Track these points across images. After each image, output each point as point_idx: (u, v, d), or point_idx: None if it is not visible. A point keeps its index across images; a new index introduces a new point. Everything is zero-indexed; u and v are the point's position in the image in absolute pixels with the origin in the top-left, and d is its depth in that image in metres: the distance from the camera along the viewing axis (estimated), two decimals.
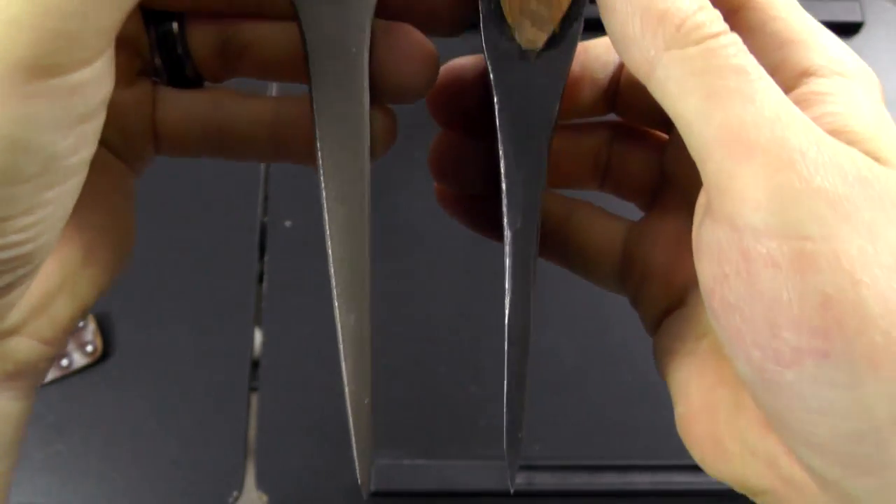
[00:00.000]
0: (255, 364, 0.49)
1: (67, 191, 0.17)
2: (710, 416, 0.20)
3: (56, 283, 0.20)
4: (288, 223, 0.52)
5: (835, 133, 0.17)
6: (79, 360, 0.48)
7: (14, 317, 0.19)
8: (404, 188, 0.53)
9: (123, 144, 0.22)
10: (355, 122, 0.20)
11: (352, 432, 0.20)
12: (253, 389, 0.49)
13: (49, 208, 0.17)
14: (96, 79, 0.16)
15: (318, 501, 0.47)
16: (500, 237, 0.26)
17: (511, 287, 0.20)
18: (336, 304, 0.20)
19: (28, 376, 0.20)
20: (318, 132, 0.20)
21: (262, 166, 0.53)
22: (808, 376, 0.16)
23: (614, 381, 0.50)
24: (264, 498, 0.46)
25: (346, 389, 0.20)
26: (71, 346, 0.48)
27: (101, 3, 0.16)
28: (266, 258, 0.52)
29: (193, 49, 0.22)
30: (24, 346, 0.19)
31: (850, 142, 0.17)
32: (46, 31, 0.15)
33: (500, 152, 0.20)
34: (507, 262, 0.20)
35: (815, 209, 0.16)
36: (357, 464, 0.20)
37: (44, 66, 0.15)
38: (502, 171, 0.20)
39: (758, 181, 0.16)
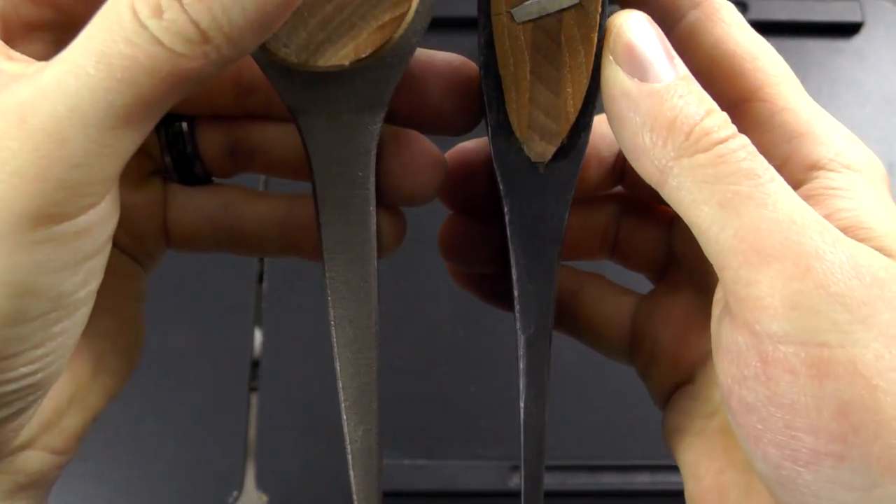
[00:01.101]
0: (255, 364, 0.49)
1: (76, 322, 0.17)
2: (720, 498, 0.21)
3: (67, 397, 0.20)
4: None
5: (847, 229, 0.17)
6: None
7: (25, 434, 0.19)
8: None
9: (135, 244, 0.22)
10: (362, 245, 0.20)
11: None
12: (253, 389, 0.49)
13: (58, 340, 0.17)
14: (100, 219, 0.17)
15: (318, 501, 0.47)
16: (509, 308, 0.27)
17: (525, 389, 0.21)
18: (344, 417, 0.20)
19: (40, 485, 0.20)
20: (325, 255, 0.21)
21: None
22: (825, 477, 0.16)
23: (614, 381, 0.50)
24: (264, 498, 0.46)
25: (355, 499, 0.20)
26: None
27: (103, 154, 0.15)
28: (266, 258, 0.52)
29: (203, 149, 0.22)
30: (36, 459, 0.20)
31: (863, 238, 0.17)
32: (50, 182, 0.15)
33: (512, 262, 0.21)
34: (521, 365, 0.21)
35: (832, 315, 0.16)
36: None
37: (48, 215, 0.15)
38: (514, 279, 0.21)
39: (775, 289, 0.16)
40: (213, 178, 0.24)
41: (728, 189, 0.17)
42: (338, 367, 0.20)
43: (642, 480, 0.47)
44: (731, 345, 0.17)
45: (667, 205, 0.25)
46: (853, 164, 0.19)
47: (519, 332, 0.21)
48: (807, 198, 0.18)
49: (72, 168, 0.15)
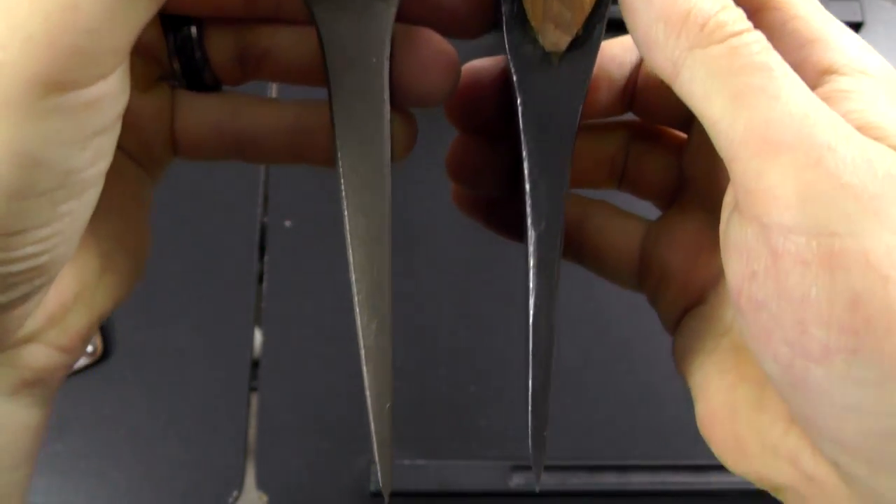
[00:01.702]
0: (255, 364, 0.49)
1: (84, 203, 0.17)
2: (731, 415, 0.21)
3: (73, 292, 0.20)
4: (288, 223, 0.52)
5: (863, 129, 0.17)
6: (79, 360, 0.48)
7: (31, 325, 0.19)
8: (404, 189, 0.53)
9: (142, 150, 0.22)
10: (376, 134, 0.20)
11: (373, 438, 0.20)
12: (253, 389, 0.49)
13: (65, 220, 0.17)
14: (112, 93, 0.16)
15: (318, 501, 0.47)
16: (517, 237, 0.25)
17: (535, 288, 0.20)
18: (357, 311, 0.20)
19: (45, 384, 0.20)
20: (338, 144, 0.20)
21: (263, 167, 0.53)
22: (837, 373, 0.16)
23: (614, 381, 0.50)
24: (264, 498, 0.46)
25: (368, 395, 0.20)
26: None
27: (115, 22, 0.15)
28: (266, 258, 0.52)
29: (212, 54, 0.22)
30: (42, 354, 0.19)
31: (877, 138, 0.17)
32: (61, 48, 0.15)
33: (524, 154, 0.20)
34: (531, 262, 0.21)
35: (844, 206, 0.16)
36: (379, 468, 0.20)
37: (59, 82, 0.15)
38: (525, 173, 0.20)
39: (786, 179, 0.16)
40: (223, 87, 0.23)
41: (740, 81, 0.16)
42: (350, 260, 0.20)
43: (642, 480, 0.47)
44: (740, 241, 0.17)
45: (677, 127, 0.25)
46: (867, 69, 0.18)
47: (529, 229, 0.20)
48: (821, 100, 0.17)
49: (83, 34, 0.15)
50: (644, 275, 0.25)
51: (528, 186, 0.20)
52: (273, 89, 0.52)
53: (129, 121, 0.18)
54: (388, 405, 0.20)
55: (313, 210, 0.53)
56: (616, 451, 0.48)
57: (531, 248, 0.20)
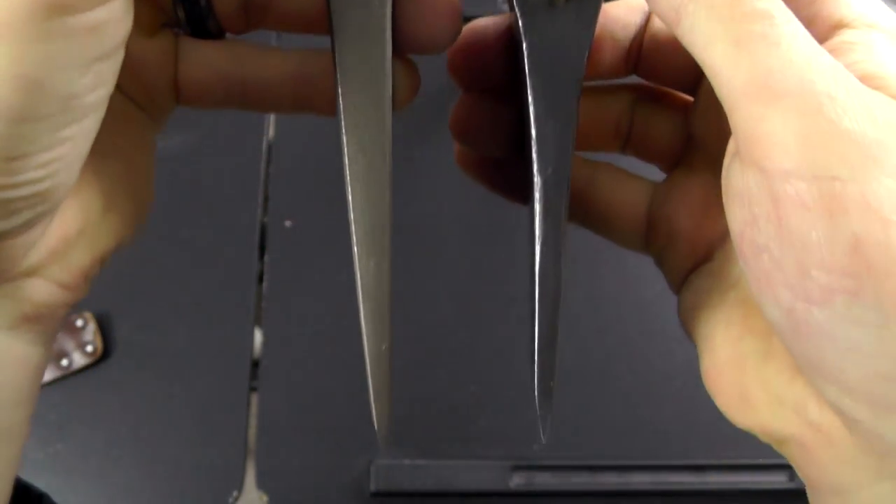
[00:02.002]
0: (255, 364, 0.49)
1: (85, 129, 0.17)
2: (737, 367, 0.20)
3: (75, 227, 0.20)
4: (288, 223, 0.52)
5: (865, 79, 0.17)
6: (79, 360, 0.48)
7: (33, 258, 0.19)
8: (404, 189, 0.53)
9: (145, 96, 0.22)
10: (377, 73, 0.20)
11: (369, 379, 0.20)
12: (253, 389, 0.49)
13: (67, 146, 0.17)
14: (114, 18, 0.16)
15: (318, 501, 0.47)
16: (521, 199, 0.25)
17: (541, 235, 0.20)
18: (355, 249, 0.20)
19: (45, 321, 0.20)
20: (339, 81, 0.20)
21: (263, 167, 0.53)
22: (838, 315, 0.16)
23: (614, 381, 0.50)
24: (264, 498, 0.46)
25: (364, 335, 0.20)
26: (71, 346, 0.48)
27: None
28: (266, 258, 0.52)
29: (216, 2, 0.22)
30: (44, 289, 0.19)
31: (879, 87, 0.17)
32: None
33: (530, 99, 0.20)
34: (537, 209, 0.20)
35: (844, 151, 0.16)
36: (374, 412, 0.20)
37: (61, 5, 0.15)
38: (531, 118, 0.20)
39: (786, 125, 0.16)
40: (226, 35, 0.23)
41: (743, 28, 0.17)
42: (349, 200, 0.20)
43: (642, 480, 0.47)
44: (741, 187, 0.17)
45: (683, 89, 0.25)
46: (877, 23, 0.18)
47: (535, 175, 0.20)
48: (828, 52, 0.17)
49: None
50: (651, 235, 0.25)
51: (533, 131, 0.20)
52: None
53: (133, 66, 0.19)
54: (384, 346, 0.20)
55: (313, 210, 0.53)
56: (616, 451, 0.48)
57: (537, 195, 0.20)
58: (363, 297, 0.20)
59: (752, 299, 0.18)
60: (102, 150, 0.19)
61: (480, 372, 0.49)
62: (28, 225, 0.17)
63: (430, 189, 0.53)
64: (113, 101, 0.19)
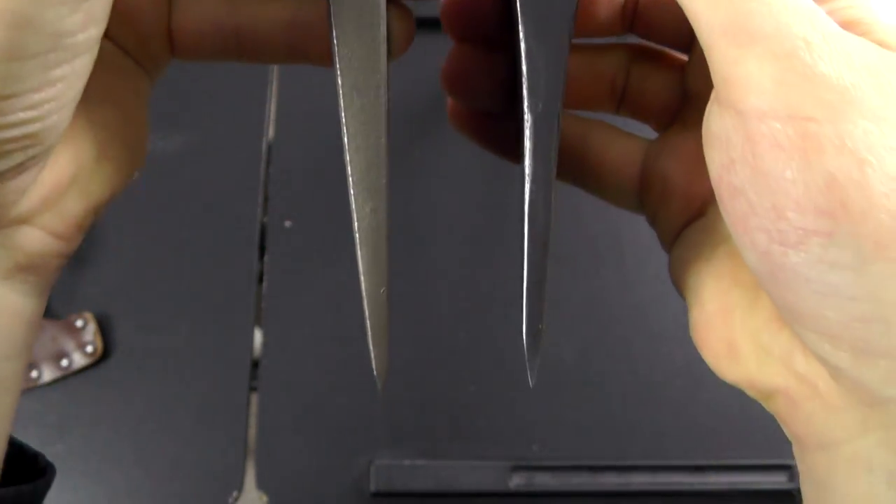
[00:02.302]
0: (255, 364, 0.49)
1: (76, 70, 0.17)
2: (725, 319, 0.21)
3: (68, 175, 0.19)
4: (288, 223, 0.52)
5: (848, 24, 0.17)
6: (79, 360, 0.48)
7: (24, 205, 0.19)
8: (404, 189, 0.53)
9: (139, 46, 0.22)
10: (372, 17, 0.20)
11: (367, 324, 0.20)
12: (253, 389, 0.49)
13: (58, 86, 0.17)
14: None
15: (318, 501, 0.47)
16: (513, 156, 0.24)
17: (531, 173, 0.20)
18: (352, 193, 0.20)
19: (39, 271, 0.20)
20: (333, 25, 0.20)
21: (263, 167, 0.53)
22: (814, 257, 0.16)
23: (614, 381, 0.50)
24: (264, 498, 0.46)
25: (362, 280, 0.20)
26: (71, 346, 0.48)
27: None
28: (266, 258, 0.52)
29: None
30: (36, 238, 0.19)
31: (863, 33, 0.17)
32: None
33: (521, 35, 0.20)
34: (527, 146, 0.20)
35: (819, 93, 0.16)
36: (373, 356, 0.20)
37: None
38: (522, 53, 0.20)
39: (762, 66, 0.16)
40: None
41: None
42: (345, 140, 0.20)
43: (642, 480, 0.47)
44: (718, 130, 0.17)
45: (680, 48, 0.24)
46: None
47: (525, 112, 0.20)
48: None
49: None
50: (645, 191, 0.25)
51: (524, 65, 0.20)
52: None
53: (125, 15, 0.18)
54: (383, 290, 0.20)
55: (313, 210, 0.53)
56: (616, 451, 0.48)
57: (527, 132, 0.20)
58: (360, 242, 0.20)
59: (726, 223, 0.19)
60: (96, 97, 0.19)
61: (480, 372, 0.49)
62: (20, 168, 0.17)
63: (429, 189, 0.53)
64: (106, 51, 0.19)
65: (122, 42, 0.21)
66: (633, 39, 0.25)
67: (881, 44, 0.17)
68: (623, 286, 0.52)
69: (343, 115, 0.20)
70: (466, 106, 0.26)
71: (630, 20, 0.24)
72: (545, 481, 0.47)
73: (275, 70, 0.56)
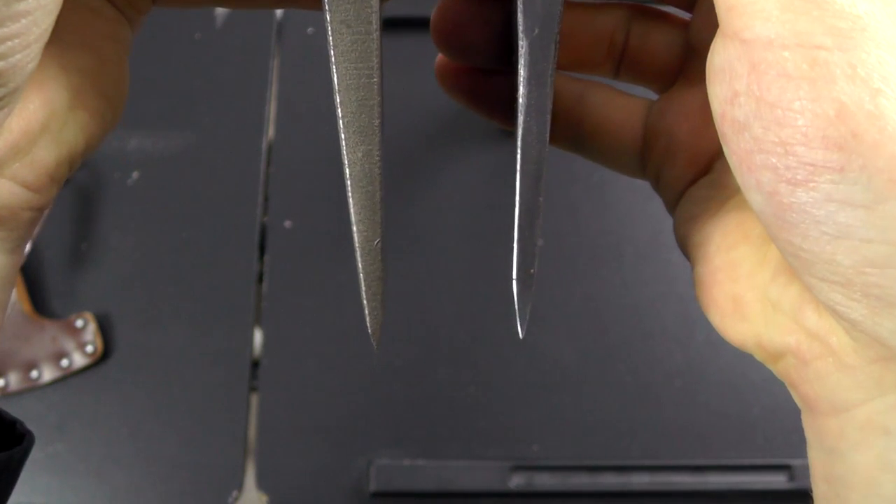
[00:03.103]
0: (255, 364, 0.49)
1: (42, 3, 0.16)
2: (731, 274, 0.19)
3: (38, 120, 0.18)
4: (288, 223, 0.52)
5: None
6: (79, 360, 0.48)
7: None
8: (404, 189, 0.53)
9: None
10: None
11: (361, 278, 0.19)
12: (253, 389, 0.49)
13: (23, 22, 0.15)
14: None
15: (318, 501, 0.47)
16: (504, 119, 0.23)
17: (525, 103, 0.18)
18: (342, 136, 0.18)
19: (11, 225, 0.19)
20: None
21: (263, 167, 0.53)
22: (823, 195, 0.15)
23: (614, 381, 0.50)
24: (264, 498, 0.46)
25: (355, 230, 0.19)
26: (71, 346, 0.48)
27: None
28: (266, 258, 0.52)
29: None
30: (5, 189, 0.18)
31: None
32: None
33: None
34: (522, 74, 0.18)
35: (830, 21, 0.15)
36: (367, 313, 0.19)
37: None
38: None
39: None
40: None
41: None
42: (335, 79, 0.18)
43: (642, 480, 0.47)
44: (722, 63, 0.16)
45: (682, 6, 0.23)
46: None
47: (520, 38, 0.18)
48: None
49: None
50: (648, 151, 0.24)
51: None
52: None
53: None
54: (376, 241, 0.19)
55: (313, 210, 0.53)
56: (616, 451, 0.48)
57: (522, 59, 0.18)
58: (352, 189, 0.18)
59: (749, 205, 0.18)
60: (69, 40, 0.18)
61: (480, 372, 0.49)
62: None
63: (430, 189, 0.53)
64: None
65: None
66: (632, 2, 0.24)
67: None
68: (623, 286, 0.52)
69: (332, 52, 0.18)
70: (457, 60, 0.24)
71: None
72: (545, 481, 0.47)
73: (275, 70, 0.56)
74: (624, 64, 0.25)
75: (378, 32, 0.18)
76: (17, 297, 0.48)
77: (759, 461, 0.46)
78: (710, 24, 0.17)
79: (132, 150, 0.52)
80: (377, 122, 0.18)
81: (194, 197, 0.53)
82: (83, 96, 0.19)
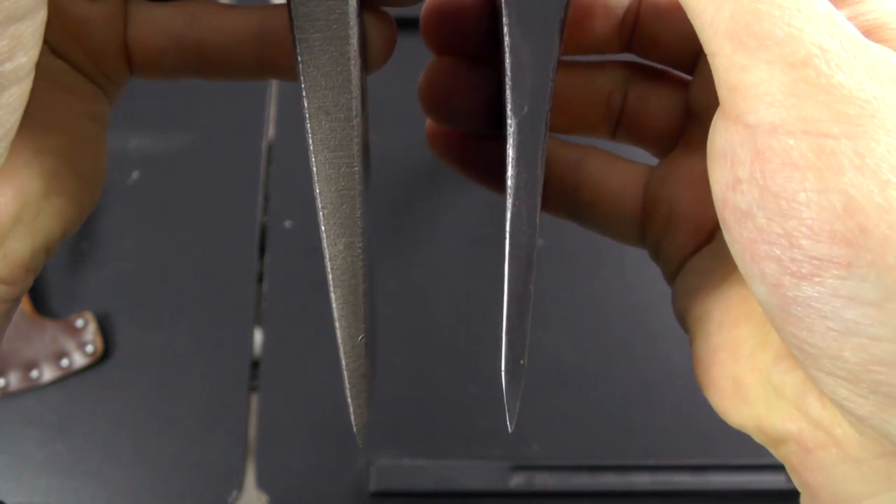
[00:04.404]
0: (255, 364, 0.49)
1: (8, 102, 0.15)
2: (732, 354, 0.19)
3: (11, 213, 0.17)
4: (288, 223, 0.52)
5: (870, 30, 0.16)
6: (79, 360, 0.48)
7: None
8: (403, 189, 0.53)
9: (92, 64, 0.20)
10: (340, 25, 0.17)
11: (345, 376, 0.18)
12: (253, 389, 0.49)
13: None
14: None
15: (318, 501, 0.47)
16: (494, 184, 0.23)
17: (514, 185, 0.17)
18: (322, 228, 0.18)
19: None
20: (296, 36, 0.17)
21: (263, 167, 0.53)
22: (830, 291, 0.14)
23: (614, 381, 0.50)
24: (264, 498, 0.46)
25: (337, 326, 0.18)
26: (71, 346, 0.48)
27: None
28: (266, 258, 0.52)
29: None
30: None
31: (887, 39, 0.15)
32: None
33: (504, 26, 0.17)
34: (510, 154, 0.17)
35: (837, 106, 0.14)
36: (352, 411, 0.18)
37: None
38: (506, 46, 0.17)
39: (772, 75, 0.14)
40: None
41: None
42: (313, 169, 0.17)
43: (642, 480, 0.47)
44: (724, 146, 0.15)
45: (682, 67, 0.22)
46: None
47: (509, 117, 0.17)
48: (835, 1, 0.16)
49: None
50: (649, 220, 0.23)
51: (508, 61, 0.17)
52: None
53: (75, 29, 0.17)
54: (360, 338, 0.18)
55: (313, 210, 0.53)
56: (616, 451, 0.48)
57: (511, 139, 0.17)
58: (333, 283, 0.18)
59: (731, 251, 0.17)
60: (42, 124, 0.17)
61: (480, 372, 0.49)
62: None
63: (430, 189, 0.53)
64: (53, 69, 0.17)
65: (71, 58, 0.19)
66: (631, 60, 0.24)
67: None
68: (623, 286, 0.51)
69: (310, 140, 0.17)
70: (447, 126, 0.24)
71: (629, 36, 0.22)
72: (545, 481, 0.47)
73: None
74: (622, 126, 0.24)
75: (358, 119, 0.18)
76: None
77: (759, 461, 0.46)
78: (711, 90, 0.17)
79: (132, 150, 0.52)
80: (359, 212, 0.18)
81: (194, 197, 0.53)
82: (59, 181, 0.18)
